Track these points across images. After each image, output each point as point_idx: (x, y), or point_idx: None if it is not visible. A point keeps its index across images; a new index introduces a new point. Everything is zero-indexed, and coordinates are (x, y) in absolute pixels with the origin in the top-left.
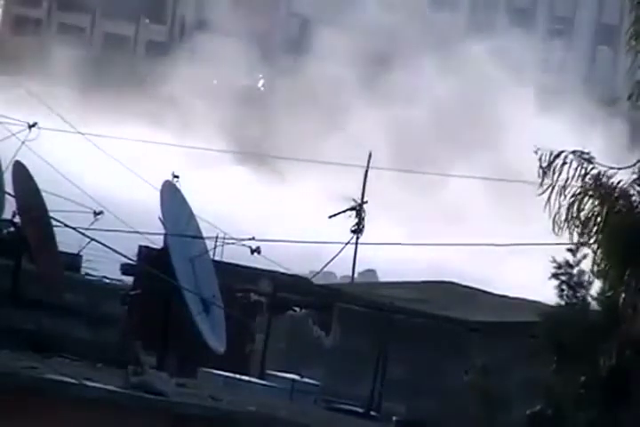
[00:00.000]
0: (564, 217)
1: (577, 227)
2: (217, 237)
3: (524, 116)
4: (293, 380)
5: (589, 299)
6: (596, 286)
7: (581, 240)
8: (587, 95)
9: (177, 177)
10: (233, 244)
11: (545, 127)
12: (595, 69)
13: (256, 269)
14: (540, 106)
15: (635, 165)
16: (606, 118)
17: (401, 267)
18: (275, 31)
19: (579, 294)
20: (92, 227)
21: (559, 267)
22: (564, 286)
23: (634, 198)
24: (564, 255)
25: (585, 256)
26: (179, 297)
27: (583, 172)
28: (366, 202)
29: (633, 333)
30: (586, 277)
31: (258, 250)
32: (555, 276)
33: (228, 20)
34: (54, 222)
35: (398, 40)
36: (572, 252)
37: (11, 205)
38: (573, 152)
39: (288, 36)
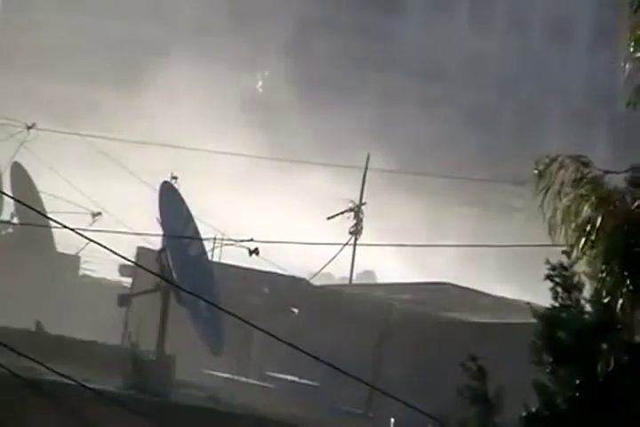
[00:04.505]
0: (559, 221)
1: (573, 231)
2: (215, 239)
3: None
4: (293, 380)
5: (583, 301)
6: (590, 288)
7: (578, 244)
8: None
9: (175, 178)
10: (231, 245)
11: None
12: (593, 71)
13: (255, 270)
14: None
15: (631, 169)
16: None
17: (400, 268)
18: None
19: (573, 296)
20: (90, 228)
21: (553, 269)
22: (558, 288)
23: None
24: (558, 257)
25: (579, 258)
26: (177, 298)
27: (579, 175)
28: (364, 203)
29: (629, 335)
30: (580, 279)
31: (256, 251)
32: (549, 278)
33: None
34: (52, 223)
35: None
36: (567, 254)
37: (9, 206)
38: (570, 156)
39: None
